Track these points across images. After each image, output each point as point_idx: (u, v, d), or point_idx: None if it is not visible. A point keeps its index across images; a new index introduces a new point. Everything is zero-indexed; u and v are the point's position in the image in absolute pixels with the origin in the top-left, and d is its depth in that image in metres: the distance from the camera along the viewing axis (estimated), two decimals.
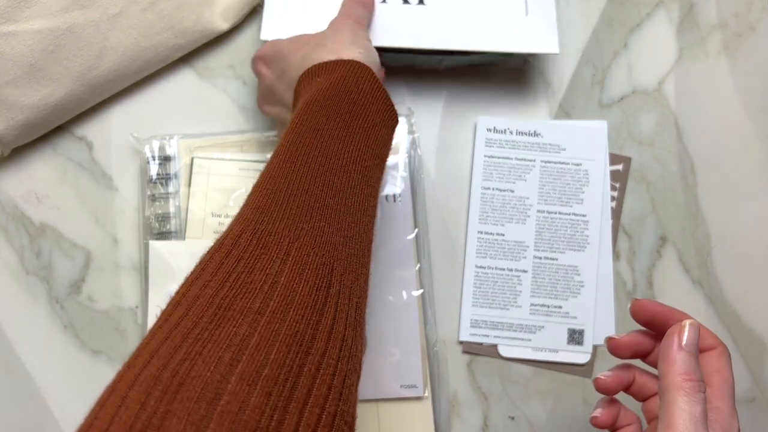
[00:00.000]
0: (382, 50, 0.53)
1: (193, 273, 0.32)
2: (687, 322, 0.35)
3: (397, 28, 0.52)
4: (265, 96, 0.49)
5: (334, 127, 0.39)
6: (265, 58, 0.48)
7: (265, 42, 0.50)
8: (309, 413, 0.29)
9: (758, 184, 0.56)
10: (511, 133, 0.55)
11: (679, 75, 0.57)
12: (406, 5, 0.52)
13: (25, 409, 0.52)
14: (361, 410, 0.53)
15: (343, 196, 0.37)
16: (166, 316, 0.30)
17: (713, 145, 0.56)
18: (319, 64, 0.43)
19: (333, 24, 0.48)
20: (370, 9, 0.51)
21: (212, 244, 0.34)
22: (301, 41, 0.46)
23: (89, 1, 0.51)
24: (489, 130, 0.56)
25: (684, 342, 0.35)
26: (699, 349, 0.36)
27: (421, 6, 0.52)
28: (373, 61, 0.45)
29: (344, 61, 0.43)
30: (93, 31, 0.51)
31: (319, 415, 0.29)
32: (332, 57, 0.43)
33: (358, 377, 0.34)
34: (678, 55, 0.57)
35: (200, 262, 0.33)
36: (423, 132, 0.56)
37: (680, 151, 0.56)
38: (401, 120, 0.55)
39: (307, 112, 0.39)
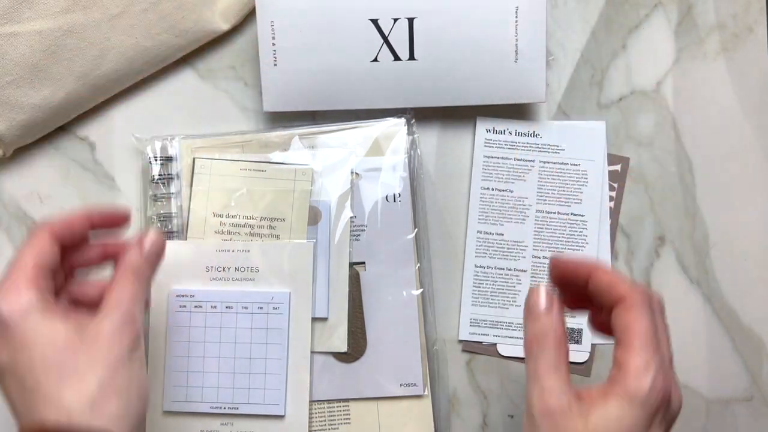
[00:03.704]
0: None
1: None
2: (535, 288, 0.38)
3: (388, 87, 0.52)
4: None
5: None
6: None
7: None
8: None
9: (756, 184, 0.56)
10: (510, 133, 0.56)
11: (678, 76, 0.57)
12: (398, 62, 0.52)
13: None
14: (361, 409, 0.53)
15: None
16: None
17: (712, 146, 0.56)
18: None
19: (93, 333, 0.36)
20: (153, 266, 0.41)
21: None
22: (46, 353, 0.35)
23: (90, 1, 0.51)
24: (488, 130, 0.56)
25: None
26: (611, 302, 0.37)
27: (412, 62, 0.52)
28: (132, 411, 0.36)
29: None
30: (94, 32, 0.52)
31: None
32: (63, 418, 0.33)
33: None
34: (676, 56, 0.57)
35: None
36: (423, 132, 0.56)
37: (678, 152, 0.57)
38: (401, 120, 0.55)
39: None
